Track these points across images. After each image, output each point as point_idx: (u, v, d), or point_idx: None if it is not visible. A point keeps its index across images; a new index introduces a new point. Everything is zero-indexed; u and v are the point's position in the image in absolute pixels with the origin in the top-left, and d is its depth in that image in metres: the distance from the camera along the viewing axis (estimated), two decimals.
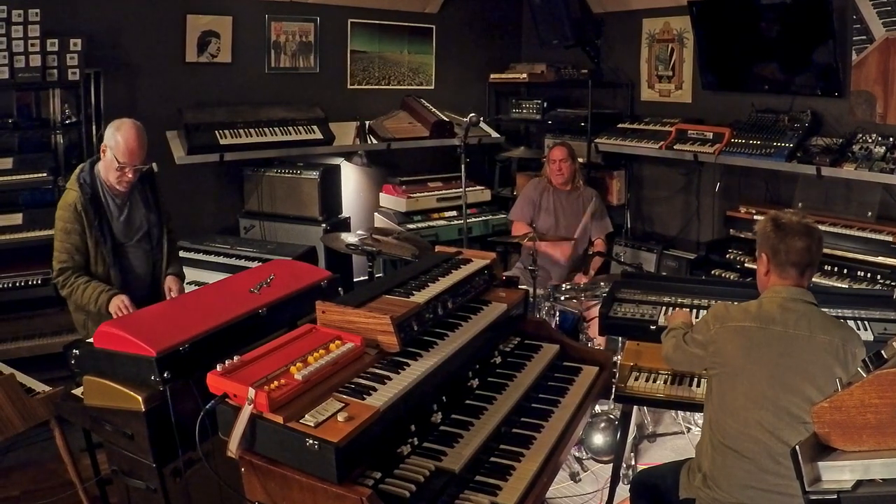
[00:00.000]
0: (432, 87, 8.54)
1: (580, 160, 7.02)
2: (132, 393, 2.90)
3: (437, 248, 4.10)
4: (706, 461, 3.13)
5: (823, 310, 3.11)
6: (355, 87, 7.97)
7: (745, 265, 6.25)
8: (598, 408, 5.05)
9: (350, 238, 5.59)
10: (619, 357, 4.35)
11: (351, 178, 7.93)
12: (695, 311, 4.25)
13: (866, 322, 4.07)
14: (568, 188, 6.56)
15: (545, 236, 5.78)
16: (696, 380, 3.83)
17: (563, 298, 5.65)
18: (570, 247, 6.24)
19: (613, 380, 3.88)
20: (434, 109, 7.97)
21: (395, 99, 8.19)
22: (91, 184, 4.11)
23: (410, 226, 7.26)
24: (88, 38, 5.81)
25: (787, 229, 3.08)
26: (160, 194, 4.45)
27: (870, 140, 5.75)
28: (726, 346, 3.06)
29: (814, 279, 5.52)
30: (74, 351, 3.19)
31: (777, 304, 3.05)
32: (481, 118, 6.47)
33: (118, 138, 4.00)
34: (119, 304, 3.97)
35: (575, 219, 6.48)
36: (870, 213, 5.86)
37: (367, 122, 7.67)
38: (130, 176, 4.08)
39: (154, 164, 4.42)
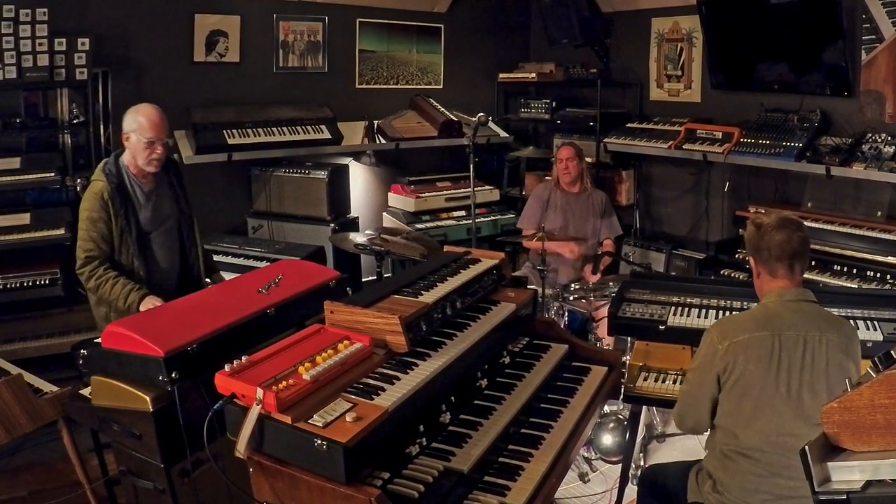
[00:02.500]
0: (441, 87, 8.53)
1: (589, 160, 7.01)
2: (140, 393, 2.90)
3: (446, 248, 4.09)
4: (716, 466, 3.10)
5: (833, 310, 3.10)
6: (364, 86, 7.97)
7: None
8: (607, 408, 5.04)
9: (358, 238, 5.58)
10: (627, 357, 4.34)
11: (359, 178, 7.92)
12: (703, 311, 4.23)
13: (876, 322, 4.03)
14: (576, 189, 6.55)
15: (554, 235, 5.76)
16: None
17: (571, 298, 5.64)
18: (577, 246, 6.22)
19: (622, 380, 3.86)
20: (443, 109, 7.96)
21: (404, 98, 8.18)
22: (117, 174, 4.14)
23: (419, 225, 7.26)
24: (96, 38, 5.81)
25: (764, 227, 3.09)
26: (185, 187, 4.51)
27: (879, 140, 5.73)
28: (738, 362, 2.97)
29: (823, 279, 5.56)
30: (82, 351, 3.19)
31: (783, 307, 3.01)
32: (490, 118, 6.46)
33: (139, 119, 4.09)
34: (151, 305, 3.98)
35: (584, 220, 6.47)
36: (879, 213, 5.83)
37: (376, 122, 7.67)
38: (160, 150, 4.14)
39: (177, 155, 4.44)
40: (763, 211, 6.28)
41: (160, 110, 4.17)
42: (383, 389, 2.59)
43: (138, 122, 4.08)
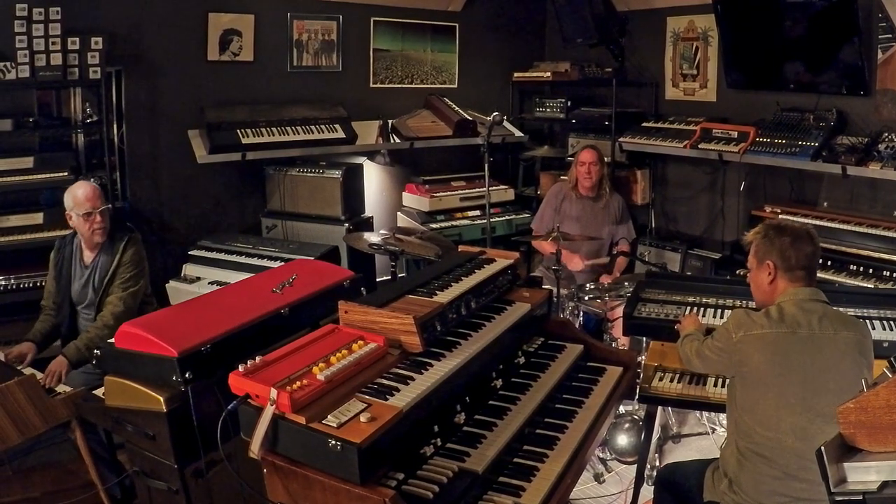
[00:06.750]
0: (455, 86, 8.51)
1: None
2: (154, 393, 2.90)
3: (461, 248, 4.09)
4: (732, 466, 3.11)
5: (849, 310, 3.12)
6: (378, 85, 7.96)
7: None
8: (622, 408, 5.03)
9: (373, 238, 5.57)
10: (643, 357, 4.32)
11: (374, 178, 7.91)
12: (719, 311, 4.22)
13: (892, 322, 4.01)
14: (593, 194, 6.51)
15: (569, 235, 5.73)
16: (719, 380, 3.80)
17: (586, 298, 5.62)
18: (582, 260, 6.19)
19: (637, 380, 3.86)
20: (457, 108, 7.95)
21: (418, 98, 8.18)
22: (70, 242, 4.63)
23: (433, 225, 7.24)
24: (110, 37, 5.84)
25: (793, 235, 3.17)
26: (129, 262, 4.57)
27: (895, 139, 5.69)
28: (752, 355, 3.03)
29: (839, 279, 5.55)
30: (96, 351, 3.19)
31: (797, 306, 3.06)
32: (505, 117, 6.44)
33: (76, 193, 4.39)
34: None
35: (600, 225, 6.44)
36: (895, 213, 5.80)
37: (390, 121, 7.66)
38: (100, 219, 4.40)
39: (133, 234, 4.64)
40: (770, 216, 6.28)
41: (92, 184, 4.49)
42: (398, 390, 2.58)
43: (74, 197, 4.38)
